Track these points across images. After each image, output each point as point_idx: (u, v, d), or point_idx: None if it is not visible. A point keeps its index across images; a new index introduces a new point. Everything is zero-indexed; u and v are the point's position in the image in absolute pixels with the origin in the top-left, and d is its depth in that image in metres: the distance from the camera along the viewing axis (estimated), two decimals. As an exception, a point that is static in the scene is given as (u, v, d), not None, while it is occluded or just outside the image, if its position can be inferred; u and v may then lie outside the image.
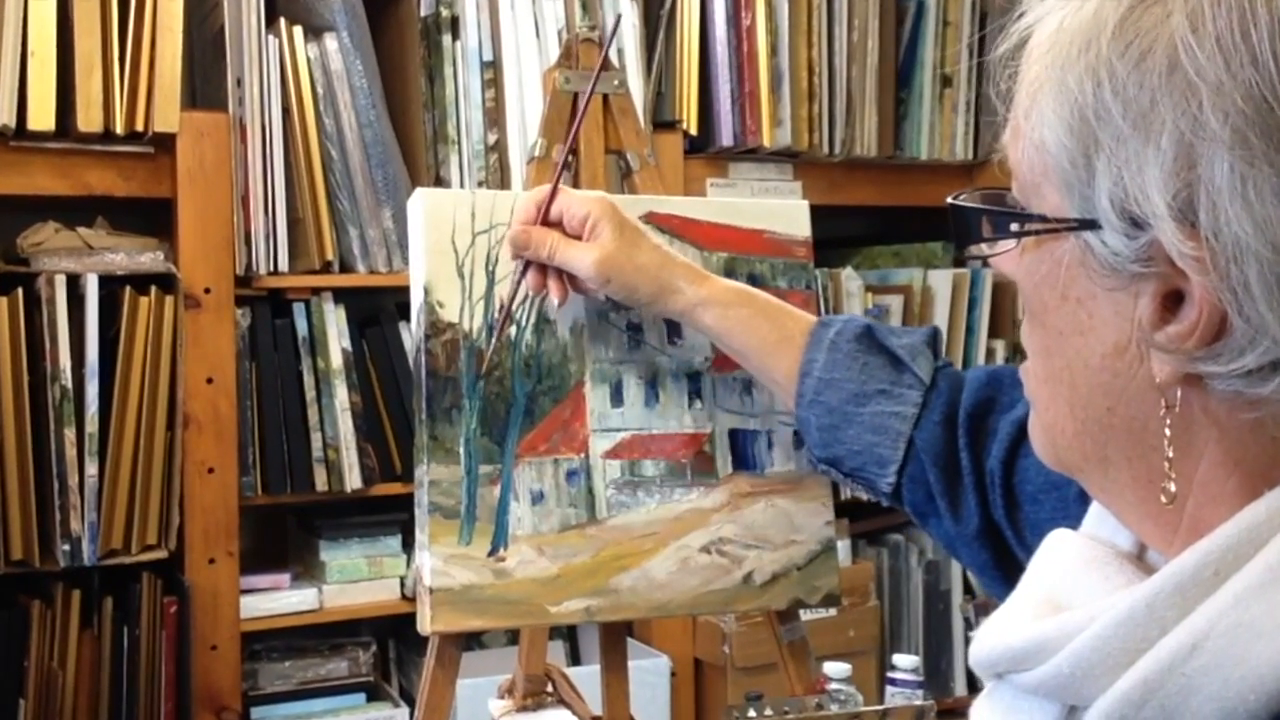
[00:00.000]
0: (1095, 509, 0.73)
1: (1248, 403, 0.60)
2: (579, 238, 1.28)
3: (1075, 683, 0.61)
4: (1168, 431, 0.62)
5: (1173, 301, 0.61)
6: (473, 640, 2.39)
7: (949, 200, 0.71)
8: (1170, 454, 0.62)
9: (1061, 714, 0.65)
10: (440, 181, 2.30)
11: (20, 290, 2.00)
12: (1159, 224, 0.59)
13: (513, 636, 2.25)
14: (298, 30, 2.20)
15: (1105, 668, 0.60)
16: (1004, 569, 1.06)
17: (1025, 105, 0.66)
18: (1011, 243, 0.68)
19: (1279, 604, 0.56)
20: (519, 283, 1.31)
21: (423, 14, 2.29)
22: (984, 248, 0.69)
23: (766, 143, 2.46)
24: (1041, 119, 0.64)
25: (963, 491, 1.10)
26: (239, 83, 2.16)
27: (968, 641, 2.40)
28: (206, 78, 2.33)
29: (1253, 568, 0.58)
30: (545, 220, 1.29)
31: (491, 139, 2.32)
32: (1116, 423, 0.65)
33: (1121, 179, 0.60)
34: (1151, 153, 0.59)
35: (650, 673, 2.33)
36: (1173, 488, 0.63)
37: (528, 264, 1.31)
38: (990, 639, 0.68)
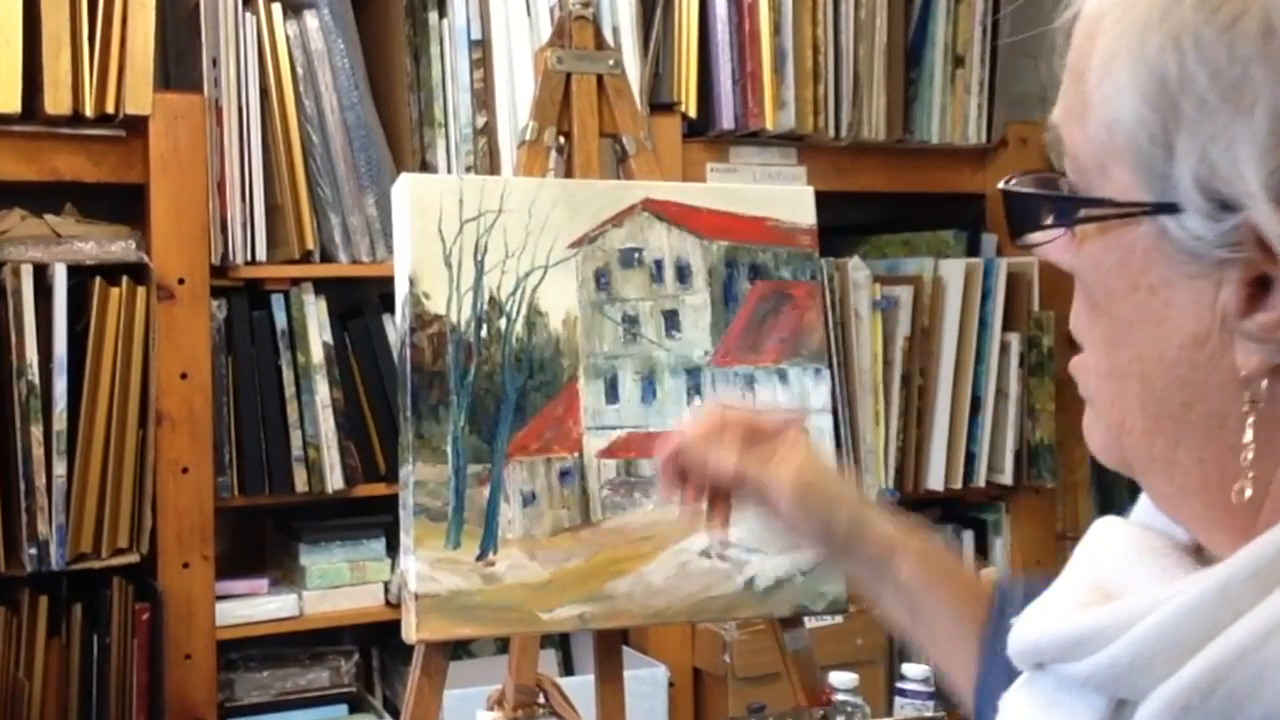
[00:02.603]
0: (1144, 499, 0.71)
1: None
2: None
3: (1132, 672, 0.60)
4: (1250, 430, 0.60)
5: (1260, 288, 0.58)
6: (460, 649, 2.39)
7: (1001, 187, 0.68)
8: (1250, 455, 0.60)
9: (1108, 708, 0.64)
10: (426, 166, 2.29)
11: (-16, 281, 2.00)
12: (1252, 205, 0.57)
13: (502, 645, 2.25)
14: (276, 7, 2.19)
15: (1168, 656, 0.59)
16: None
17: (1096, 78, 0.62)
18: (1065, 229, 0.65)
19: None
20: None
21: (408, -10, 2.29)
22: (1039, 236, 0.67)
23: (769, 125, 2.46)
24: (1115, 92, 0.61)
25: None
26: (215, 63, 2.15)
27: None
28: (180, 57, 2.33)
29: None
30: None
31: (480, 122, 2.31)
32: (1193, 419, 0.62)
33: (1208, 157, 0.58)
34: (1244, 127, 0.57)
35: (647, 683, 2.33)
36: (1248, 491, 0.60)
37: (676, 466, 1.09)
38: (1036, 626, 0.67)
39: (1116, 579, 0.66)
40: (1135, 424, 0.65)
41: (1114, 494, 2.68)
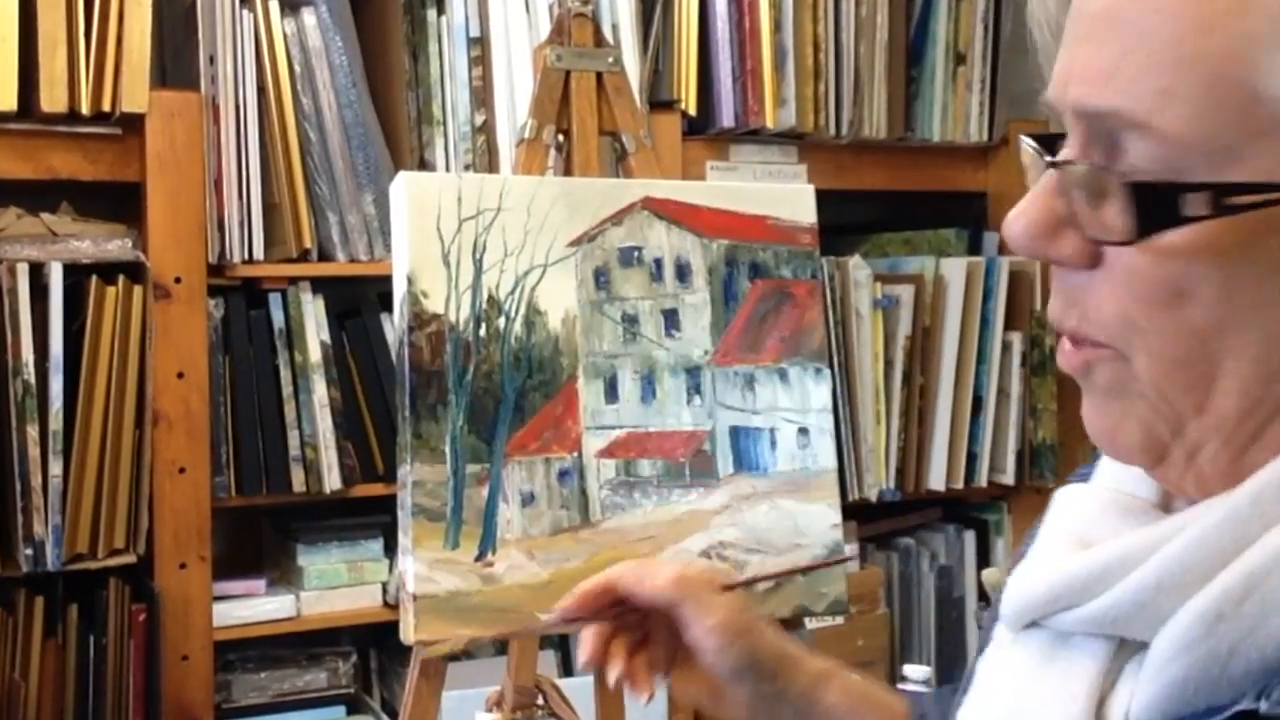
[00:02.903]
0: (1107, 465, 0.71)
1: None
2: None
3: (1159, 597, 0.59)
4: None
5: None
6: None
7: (1126, 182, 0.62)
8: None
9: (1109, 653, 0.63)
10: (425, 165, 2.29)
11: (-20, 280, 2.00)
12: None
13: (501, 646, 2.25)
14: (274, 5, 2.19)
15: (1198, 573, 0.58)
16: None
17: (1247, 57, 0.58)
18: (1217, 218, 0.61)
19: None
20: (558, 623, 1.05)
21: (406, -13, 2.29)
22: (1176, 233, 0.61)
23: (770, 123, 2.46)
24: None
25: None
26: (212, 60, 2.15)
27: (982, 650, 2.43)
28: (177, 55, 2.33)
29: None
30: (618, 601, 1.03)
31: (479, 120, 2.31)
32: None
33: None
34: None
35: (647, 684, 2.33)
36: None
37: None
38: (1037, 580, 0.66)
39: (1100, 534, 0.66)
40: (1227, 406, 0.62)
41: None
